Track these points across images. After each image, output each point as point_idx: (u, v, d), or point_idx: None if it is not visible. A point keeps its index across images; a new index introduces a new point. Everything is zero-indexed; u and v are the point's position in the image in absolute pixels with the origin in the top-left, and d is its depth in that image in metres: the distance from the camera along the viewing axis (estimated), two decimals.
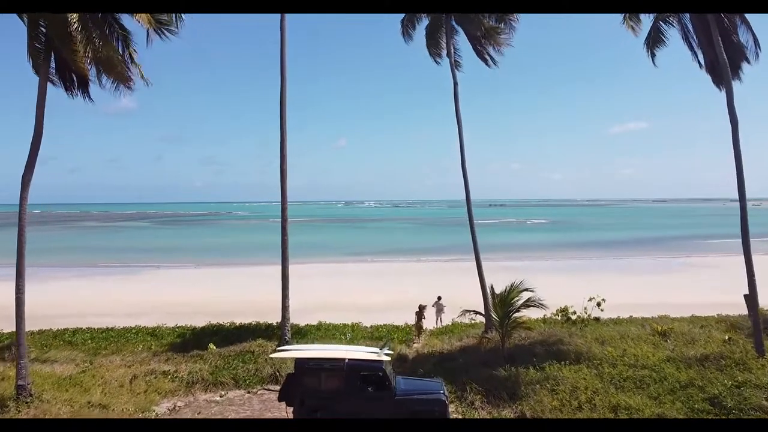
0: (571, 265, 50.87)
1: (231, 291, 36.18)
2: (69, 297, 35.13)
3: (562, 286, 36.87)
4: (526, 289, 14.85)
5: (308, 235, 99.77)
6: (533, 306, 14.99)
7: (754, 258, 15.97)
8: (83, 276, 45.91)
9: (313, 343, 18.95)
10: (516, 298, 14.80)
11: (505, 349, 15.10)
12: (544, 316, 18.91)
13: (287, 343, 16.93)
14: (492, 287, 15.04)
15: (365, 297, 32.83)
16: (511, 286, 14.80)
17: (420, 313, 20.87)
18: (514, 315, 14.80)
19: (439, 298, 24.36)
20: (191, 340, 18.94)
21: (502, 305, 14.77)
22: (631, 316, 21.51)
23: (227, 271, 49.64)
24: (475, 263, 20.31)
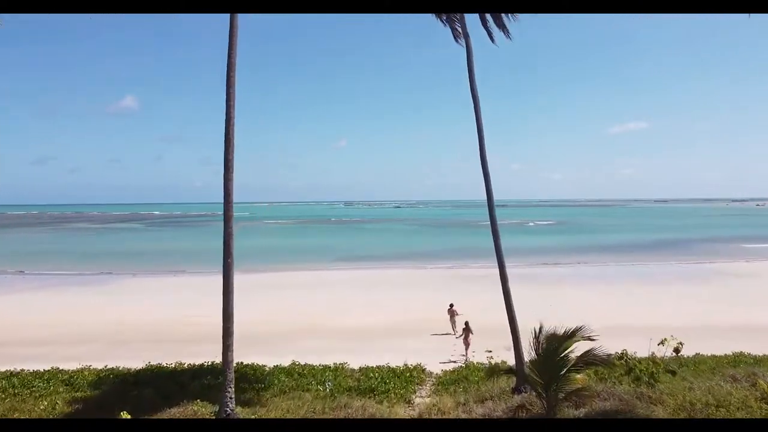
0: (589, 272, 45.90)
1: (205, 308, 31.10)
2: (13, 316, 30.08)
3: (587, 300, 32.04)
4: (589, 338, 9.88)
5: (303, 238, 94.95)
6: (596, 363, 10.01)
7: None
8: (45, 287, 40.81)
9: (279, 396, 13.99)
10: (569, 350, 9.84)
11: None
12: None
13: (228, 416, 11.80)
14: (537, 331, 10.02)
15: (359, 316, 27.79)
16: (564, 334, 9.84)
17: (467, 329, 20.06)
18: (567, 375, 9.81)
19: (451, 305, 24.09)
20: (112, 396, 13.92)
21: (549, 361, 9.78)
22: (697, 354, 16.58)
23: (207, 280, 44.46)
24: (497, 275, 15.38)
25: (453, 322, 23.62)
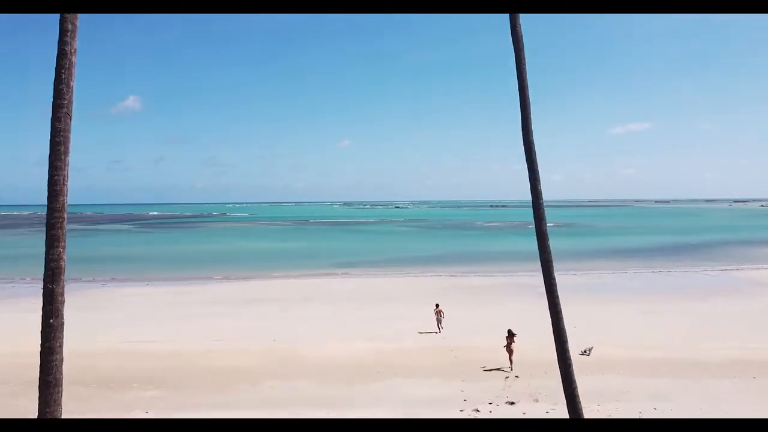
0: (608, 282, 40.86)
1: (161, 329, 26.11)
2: None
3: (615, 320, 27.05)
4: None
5: (297, 241, 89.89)
6: None
7: None
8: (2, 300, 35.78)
9: None
10: None
11: None
12: None
13: None
14: None
15: (345, 342, 22.68)
16: None
17: (510, 337, 18.72)
18: None
19: (437, 305, 24.99)
20: None
21: None
22: None
23: (180, 290, 39.57)
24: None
25: (438, 321, 24.55)
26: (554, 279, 10.89)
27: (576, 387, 10.76)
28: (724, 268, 49.96)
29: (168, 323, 27.10)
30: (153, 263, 59.85)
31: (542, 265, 11.07)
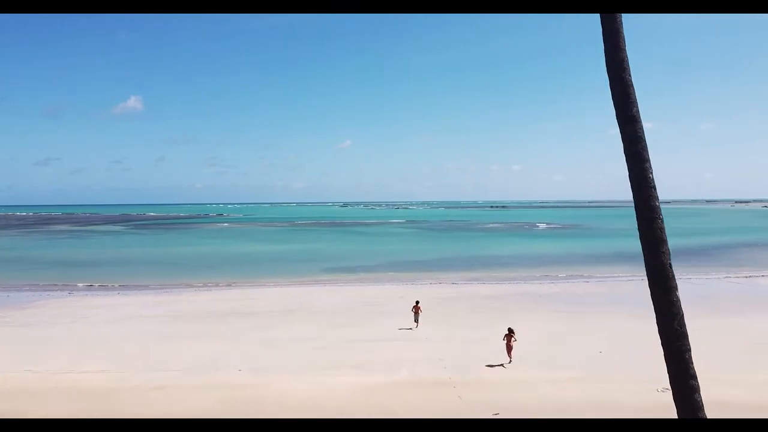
0: (629, 291, 36.77)
1: (118, 351, 22.18)
2: None
3: (654, 343, 22.90)
4: None
5: (293, 244, 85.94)
6: None
7: None
8: None
9: None
10: None
11: None
12: None
13: None
14: None
15: (319, 374, 18.75)
16: None
17: (509, 335, 19.34)
18: None
19: (417, 302, 26.07)
20: None
21: None
22: None
23: (154, 300, 35.67)
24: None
25: (416, 317, 25.48)
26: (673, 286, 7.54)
27: (696, 380, 7.76)
28: (747, 274, 46.08)
29: (122, 345, 23.13)
30: (134, 267, 56.06)
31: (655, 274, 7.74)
